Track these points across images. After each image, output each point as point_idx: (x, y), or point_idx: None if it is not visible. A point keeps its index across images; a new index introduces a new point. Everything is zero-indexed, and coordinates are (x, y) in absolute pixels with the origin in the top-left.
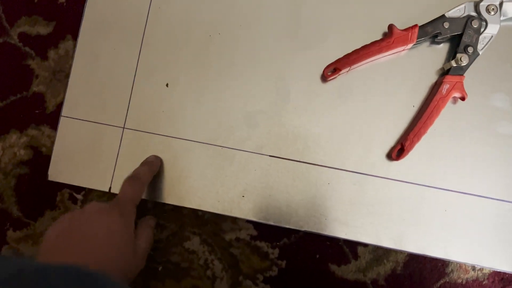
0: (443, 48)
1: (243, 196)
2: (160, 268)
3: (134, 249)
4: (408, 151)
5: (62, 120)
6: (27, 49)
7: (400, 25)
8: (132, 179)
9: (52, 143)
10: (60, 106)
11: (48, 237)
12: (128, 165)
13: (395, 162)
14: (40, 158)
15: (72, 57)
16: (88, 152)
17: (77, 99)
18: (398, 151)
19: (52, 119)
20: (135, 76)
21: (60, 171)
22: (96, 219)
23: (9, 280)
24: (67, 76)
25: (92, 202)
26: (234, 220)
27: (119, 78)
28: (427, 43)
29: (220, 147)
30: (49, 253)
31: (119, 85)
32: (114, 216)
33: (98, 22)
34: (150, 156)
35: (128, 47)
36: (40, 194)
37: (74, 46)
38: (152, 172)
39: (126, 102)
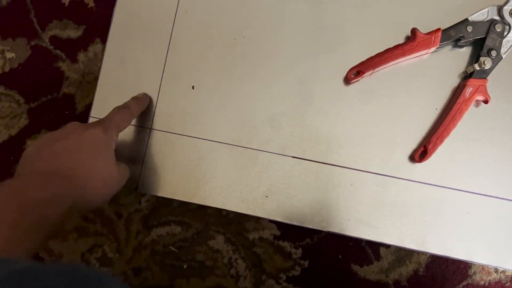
0: (465, 51)
1: (267, 196)
2: (185, 266)
3: (115, 163)
4: (431, 154)
5: (91, 121)
6: (58, 52)
7: (423, 28)
8: (121, 107)
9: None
10: (89, 107)
11: (28, 152)
12: (155, 165)
13: (417, 164)
14: None
15: (101, 60)
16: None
17: (106, 100)
18: (421, 154)
19: (82, 120)
20: (162, 78)
21: None
22: (79, 132)
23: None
24: (96, 78)
25: (73, 122)
26: (257, 219)
27: (147, 80)
28: (449, 47)
29: (244, 148)
30: (29, 164)
31: (146, 87)
32: (97, 129)
33: (126, 26)
34: (140, 93)
35: (155, 50)
36: None
37: (103, 49)
38: (141, 106)
39: (154, 103)
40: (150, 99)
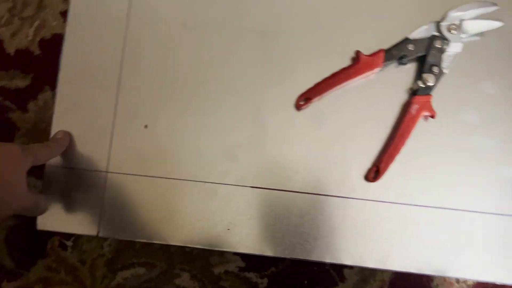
0: (410, 68)
1: (229, 229)
2: None
3: (24, 180)
4: (383, 172)
5: (46, 168)
6: (7, 103)
7: (365, 50)
8: (43, 145)
9: (39, 192)
10: None
11: None
12: (115, 208)
13: (373, 184)
14: None
15: (52, 107)
16: (74, 199)
17: None
18: (374, 173)
19: (37, 170)
20: (114, 120)
21: (49, 219)
22: None
23: None
24: (48, 125)
25: None
26: (221, 253)
27: (99, 123)
28: (394, 65)
29: (203, 183)
30: None
31: (100, 130)
32: (13, 145)
33: (74, 71)
34: (59, 132)
35: (105, 93)
36: (31, 243)
37: (53, 96)
38: (61, 146)
39: (108, 146)
40: (71, 136)
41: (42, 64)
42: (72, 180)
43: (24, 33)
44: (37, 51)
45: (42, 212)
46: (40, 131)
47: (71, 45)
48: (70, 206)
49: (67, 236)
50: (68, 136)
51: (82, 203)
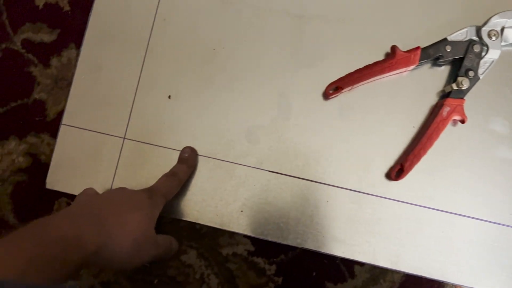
0: (444, 70)
1: (242, 211)
2: (155, 281)
3: (153, 230)
4: (407, 172)
5: (62, 128)
6: (30, 56)
7: (402, 46)
8: (169, 175)
9: (52, 151)
10: (61, 114)
11: (73, 208)
12: (127, 175)
13: (394, 182)
14: (39, 166)
15: (75, 66)
16: (87, 161)
17: (78, 107)
18: (397, 172)
19: (52, 127)
20: (137, 86)
21: (58, 179)
22: (124, 190)
23: None
24: (69, 84)
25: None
26: (231, 234)
27: (121, 88)
28: (428, 65)
29: (220, 161)
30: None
31: (121, 95)
32: (143, 193)
33: (102, 32)
34: (184, 149)
35: (132, 58)
36: (37, 202)
37: (77, 55)
38: (190, 169)
39: (128, 112)
40: (196, 154)
41: (69, 21)
42: (87, 142)
43: None
44: (66, 7)
45: (173, 254)
46: (59, 89)
47: (102, 5)
48: (82, 168)
49: None
50: (196, 156)
51: (94, 167)
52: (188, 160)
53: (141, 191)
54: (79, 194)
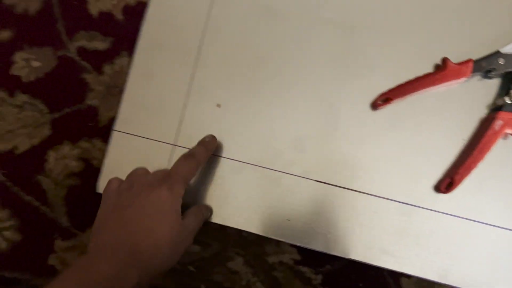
0: (495, 82)
1: (288, 220)
2: (202, 287)
3: (181, 222)
4: (457, 185)
5: (114, 134)
6: (84, 63)
7: (453, 58)
8: (187, 157)
9: (103, 156)
10: (112, 120)
11: (96, 224)
12: None
13: (443, 195)
14: (91, 171)
15: (127, 73)
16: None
17: (130, 114)
18: (447, 185)
19: (104, 133)
20: (187, 94)
21: None
22: (144, 196)
23: None
24: (121, 91)
25: (140, 174)
26: (278, 243)
27: (172, 96)
28: (478, 77)
29: (268, 169)
30: (98, 237)
31: (172, 102)
32: (162, 190)
33: (154, 41)
34: (207, 135)
35: (182, 66)
36: (89, 206)
37: (130, 62)
38: (208, 152)
39: (178, 119)
40: (216, 141)
41: (122, 29)
42: (138, 148)
43: None
44: (119, 16)
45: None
46: (112, 96)
47: (154, 15)
48: None
49: None
50: (215, 141)
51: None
52: (209, 144)
53: (161, 186)
54: (106, 191)
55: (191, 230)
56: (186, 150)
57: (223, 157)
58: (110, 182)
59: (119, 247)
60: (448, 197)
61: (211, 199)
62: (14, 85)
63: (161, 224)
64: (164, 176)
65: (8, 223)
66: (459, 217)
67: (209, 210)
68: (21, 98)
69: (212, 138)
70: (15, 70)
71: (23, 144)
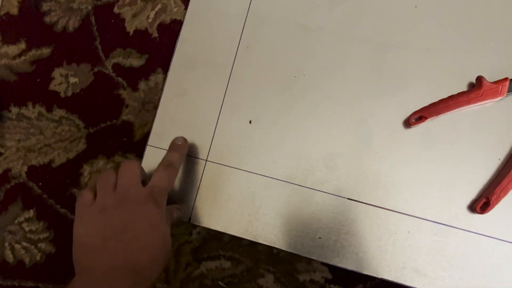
0: None
1: (320, 238)
2: None
3: (169, 235)
4: (493, 206)
5: (148, 149)
6: (119, 79)
7: (488, 76)
8: (166, 167)
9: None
10: (147, 135)
11: (85, 237)
12: (208, 196)
13: (478, 215)
14: None
15: (162, 90)
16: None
17: (164, 129)
18: (482, 205)
19: (139, 148)
20: (220, 111)
21: None
22: (132, 206)
23: None
24: (156, 107)
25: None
26: (309, 261)
27: (205, 112)
28: None
29: (299, 186)
30: (93, 256)
31: (205, 119)
32: (151, 209)
33: (188, 58)
34: (178, 138)
35: (215, 83)
36: None
37: (164, 79)
38: (183, 157)
39: (211, 135)
40: (188, 144)
41: (157, 47)
42: None
43: (145, 15)
44: (154, 34)
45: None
46: (146, 111)
47: (188, 33)
48: None
49: None
50: (187, 143)
51: (179, 188)
52: (182, 148)
53: (148, 201)
54: (80, 205)
55: (169, 230)
56: (217, 166)
57: (254, 173)
58: (82, 195)
59: (123, 268)
60: (483, 217)
61: (242, 215)
62: (52, 100)
63: (154, 239)
64: (149, 192)
65: (43, 235)
66: (495, 238)
67: (181, 210)
68: (59, 113)
69: (184, 141)
70: (53, 86)
71: (59, 157)
